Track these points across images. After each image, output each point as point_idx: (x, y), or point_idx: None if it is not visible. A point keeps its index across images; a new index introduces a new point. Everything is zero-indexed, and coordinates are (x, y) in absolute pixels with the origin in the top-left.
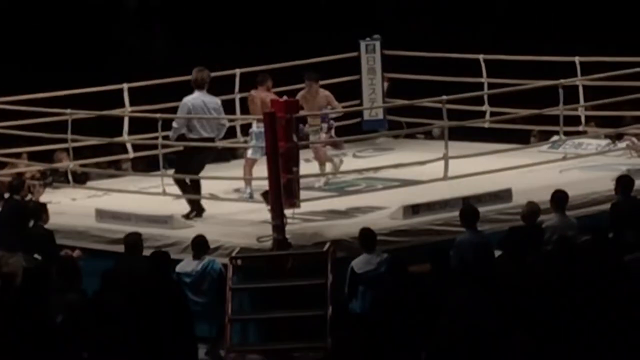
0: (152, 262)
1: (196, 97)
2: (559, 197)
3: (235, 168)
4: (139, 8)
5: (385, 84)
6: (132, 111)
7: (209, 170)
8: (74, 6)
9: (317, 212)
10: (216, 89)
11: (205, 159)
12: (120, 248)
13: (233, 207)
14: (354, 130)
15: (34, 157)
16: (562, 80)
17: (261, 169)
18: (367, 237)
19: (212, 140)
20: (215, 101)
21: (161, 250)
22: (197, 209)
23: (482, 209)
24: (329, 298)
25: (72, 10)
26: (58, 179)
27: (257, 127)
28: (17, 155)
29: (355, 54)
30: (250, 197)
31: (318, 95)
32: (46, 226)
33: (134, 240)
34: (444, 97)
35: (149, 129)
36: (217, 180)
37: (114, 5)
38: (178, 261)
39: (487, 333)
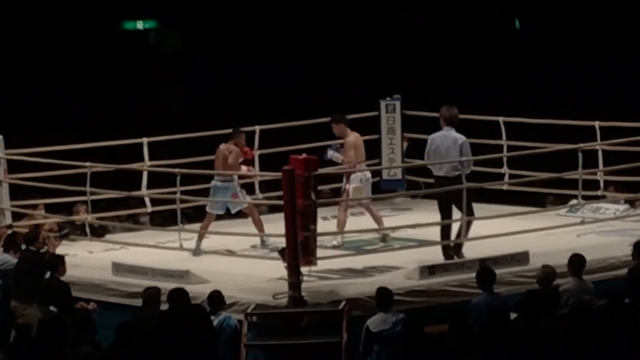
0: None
1: (443, 135)
2: (577, 261)
3: (252, 224)
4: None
5: (405, 144)
6: (151, 165)
7: (227, 225)
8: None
9: (333, 270)
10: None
11: (445, 200)
12: (136, 302)
13: (249, 263)
14: (373, 189)
15: (52, 209)
16: (581, 145)
17: (278, 226)
18: (384, 295)
19: (446, 179)
20: (456, 138)
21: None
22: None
23: (498, 271)
24: (344, 356)
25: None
26: (75, 231)
27: (218, 182)
28: (35, 207)
29: (375, 113)
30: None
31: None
32: (62, 278)
33: (152, 295)
34: (463, 159)
35: (167, 183)
36: (232, 236)
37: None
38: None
39: None
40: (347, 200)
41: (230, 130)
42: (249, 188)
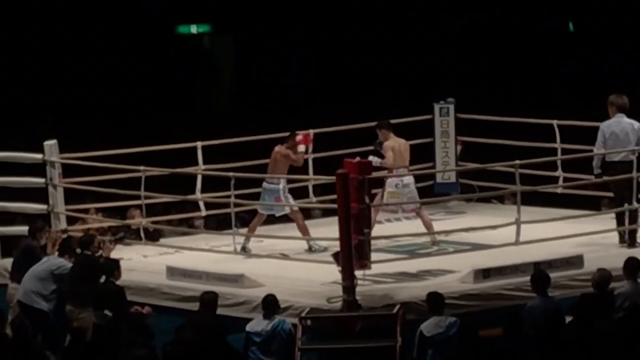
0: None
1: (616, 122)
2: (633, 265)
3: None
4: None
5: (459, 147)
6: (205, 169)
7: (281, 229)
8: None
9: (387, 274)
10: None
11: (619, 186)
12: (190, 305)
13: (304, 267)
14: (426, 192)
15: (106, 213)
16: (635, 147)
17: (332, 229)
18: (435, 300)
19: (621, 164)
20: (633, 126)
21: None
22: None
23: (553, 275)
24: None
25: (148, 69)
26: (130, 235)
27: (266, 183)
28: (89, 211)
29: (429, 116)
30: (243, 250)
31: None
32: (117, 282)
33: (210, 299)
34: (517, 162)
35: (221, 187)
36: (287, 240)
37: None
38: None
39: None
40: (382, 205)
41: (286, 134)
42: (301, 191)
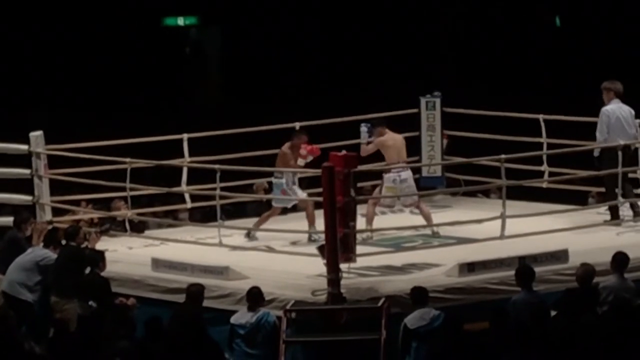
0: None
1: (617, 107)
2: (621, 259)
3: (292, 221)
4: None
5: (445, 141)
6: (191, 161)
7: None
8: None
9: (372, 267)
10: (277, 140)
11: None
12: (175, 297)
13: (289, 259)
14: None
15: (97, 205)
16: (622, 142)
17: (318, 222)
18: (419, 293)
19: (627, 148)
20: (630, 110)
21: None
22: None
23: (538, 269)
24: (382, 353)
25: (134, 60)
26: (115, 227)
27: (274, 178)
28: (75, 203)
29: (415, 110)
30: (248, 235)
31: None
32: (102, 274)
33: (197, 291)
34: (503, 156)
35: (207, 179)
36: (273, 233)
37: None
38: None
39: None
40: (379, 197)
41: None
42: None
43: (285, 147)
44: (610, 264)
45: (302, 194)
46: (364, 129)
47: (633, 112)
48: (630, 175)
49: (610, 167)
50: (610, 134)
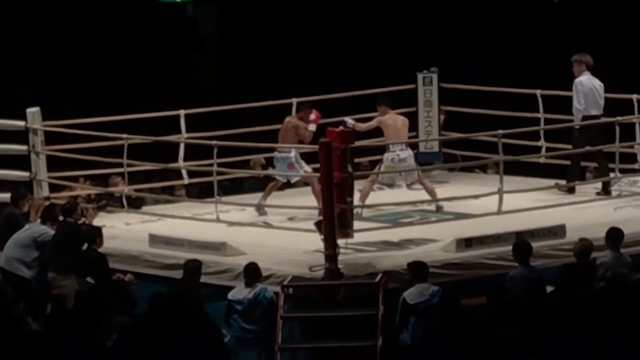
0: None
1: (588, 79)
2: (615, 235)
3: (290, 196)
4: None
5: (442, 117)
6: (188, 137)
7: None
8: (132, 33)
9: (370, 243)
10: (274, 116)
11: (597, 137)
12: (173, 273)
13: (286, 235)
14: None
15: (95, 181)
16: (619, 118)
17: (312, 199)
18: (418, 268)
19: (598, 117)
20: (600, 83)
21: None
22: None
23: (535, 244)
24: (380, 329)
25: (129, 37)
26: (113, 203)
27: (277, 153)
28: (72, 179)
29: (412, 86)
30: (258, 208)
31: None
32: (100, 250)
33: (194, 267)
34: (500, 132)
35: (204, 155)
36: (271, 209)
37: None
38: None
39: None
40: (377, 173)
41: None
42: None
43: (294, 120)
44: (605, 240)
45: (309, 169)
46: (343, 122)
47: (602, 85)
48: (629, 150)
49: (585, 139)
50: (586, 104)
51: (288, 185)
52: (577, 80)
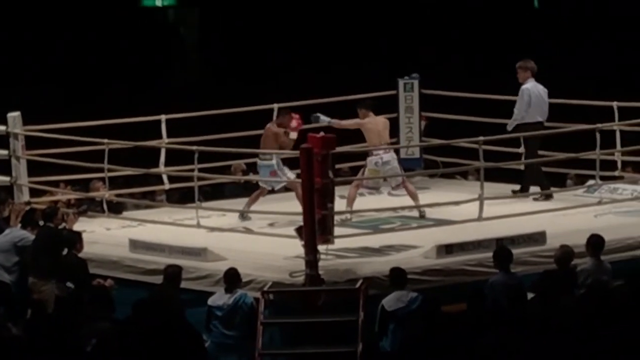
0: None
1: (534, 85)
2: (595, 242)
3: (272, 202)
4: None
5: (423, 123)
6: (169, 143)
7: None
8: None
9: (350, 249)
10: (255, 121)
11: (536, 143)
12: (153, 279)
13: (267, 241)
14: None
15: (70, 185)
16: (599, 125)
17: (296, 204)
18: (397, 275)
19: (541, 124)
20: (544, 89)
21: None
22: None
23: (515, 251)
24: (360, 335)
25: (111, 41)
26: (94, 208)
27: (259, 160)
28: (53, 183)
29: (393, 92)
30: (242, 215)
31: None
32: (80, 255)
33: (174, 272)
34: (481, 138)
35: (185, 160)
36: (252, 214)
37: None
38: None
39: None
40: (361, 179)
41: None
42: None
43: (273, 126)
44: (585, 247)
45: (291, 175)
46: (315, 117)
47: (546, 90)
48: (609, 157)
49: (534, 145)
50: (530, 112)
51: (270, 191)
52: (524, 87)
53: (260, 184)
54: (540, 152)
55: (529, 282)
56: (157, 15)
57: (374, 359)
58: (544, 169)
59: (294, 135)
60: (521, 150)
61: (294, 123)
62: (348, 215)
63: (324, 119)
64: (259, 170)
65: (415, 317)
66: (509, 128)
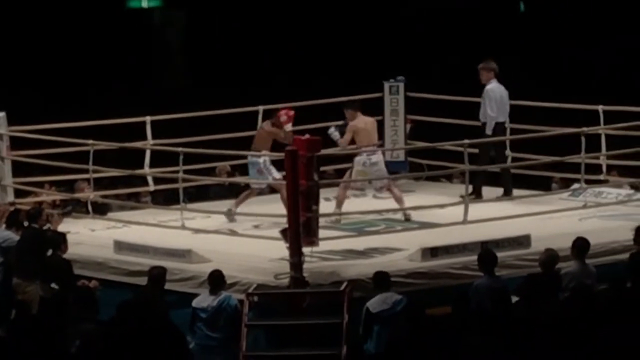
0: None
1: (497, 86)
2: (581, 245)
3: (257, 204)
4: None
5: (408, 126)
6: (154, 144)
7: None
8: (99, 39)
9: (335, 252)
10: (240, 123)
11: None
12: (137, 280)
13: (252, 243)
14: None
15: (55, 186)
16: (584, 128)
17: (281, 206)
18: (381, 277)
19: (503, 124)
20: (505, 90)
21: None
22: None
23: (500, 254)
24: (344, 338)
25: (96, 42)
26: (79, 209)
27: (250, 157)
28: (38, 184)
29: (378, 94)
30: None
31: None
32: (64, 256)
33: (159, 274)
34: (466, 141)
35: (170, 162)
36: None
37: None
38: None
39: None
40: (349, 182)
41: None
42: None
43: (267, 126)
44: (570, 250)
45: (277, 175)
46: (332, 130)
47: (507, 92)
48: (594, 161)
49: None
50: (495, 111)
51: (260, 192)
52: (488, 87)
53: (251, 184)
54: (525, 156)
55: (514, 286)
56: (143, 17)
57: None
58: (529, 172)
59: (289, 127)
60: (507, 153)
61: (284, 117)
62: (338, 217)
63: (336, 135)
64: (249, 167)
65: (400, 319)
66: (489, 131)
